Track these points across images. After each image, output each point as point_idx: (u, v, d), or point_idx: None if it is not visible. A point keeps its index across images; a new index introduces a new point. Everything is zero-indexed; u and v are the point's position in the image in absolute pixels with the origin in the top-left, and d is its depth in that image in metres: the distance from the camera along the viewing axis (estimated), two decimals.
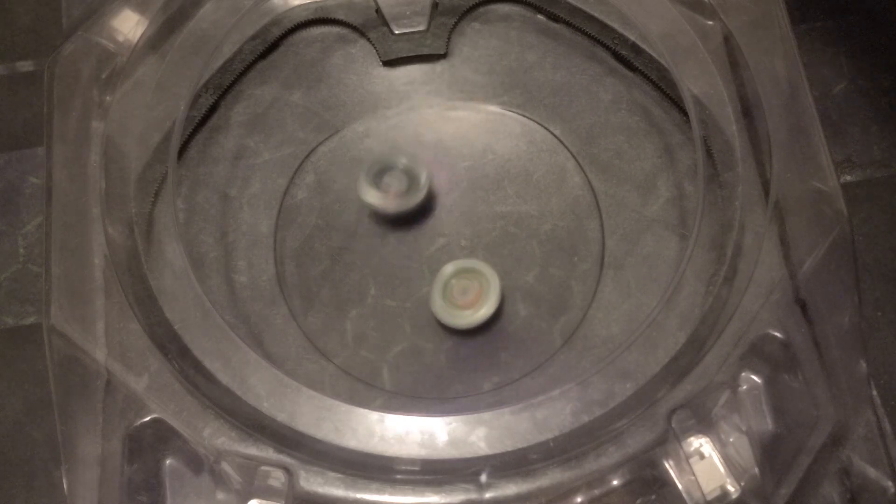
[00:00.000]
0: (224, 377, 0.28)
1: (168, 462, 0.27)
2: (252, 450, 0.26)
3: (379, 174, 0.32)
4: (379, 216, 0.32)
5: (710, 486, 0.26)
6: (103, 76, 0.32)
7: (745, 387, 0.28)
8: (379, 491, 0.26)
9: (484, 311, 0.30)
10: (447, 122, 0.34)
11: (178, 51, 0.32)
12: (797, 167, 0.30)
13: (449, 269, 0.30)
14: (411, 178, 0.32)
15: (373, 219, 0.32)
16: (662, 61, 0.32)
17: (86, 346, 0.28)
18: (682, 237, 0.31)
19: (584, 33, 0.34)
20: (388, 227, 0.32)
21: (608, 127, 0.33)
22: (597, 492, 0.26)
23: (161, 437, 0.27)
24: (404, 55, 0.35)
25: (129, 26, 0.32)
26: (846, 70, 0.37)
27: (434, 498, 0.26)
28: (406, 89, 0.34)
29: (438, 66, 0.35)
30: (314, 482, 0.26)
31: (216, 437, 0.27)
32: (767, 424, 0.27)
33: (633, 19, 0.32)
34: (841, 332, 0.28)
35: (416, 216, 0.32)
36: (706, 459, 0.26)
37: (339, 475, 0.26)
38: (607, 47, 0.34)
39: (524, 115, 0.34)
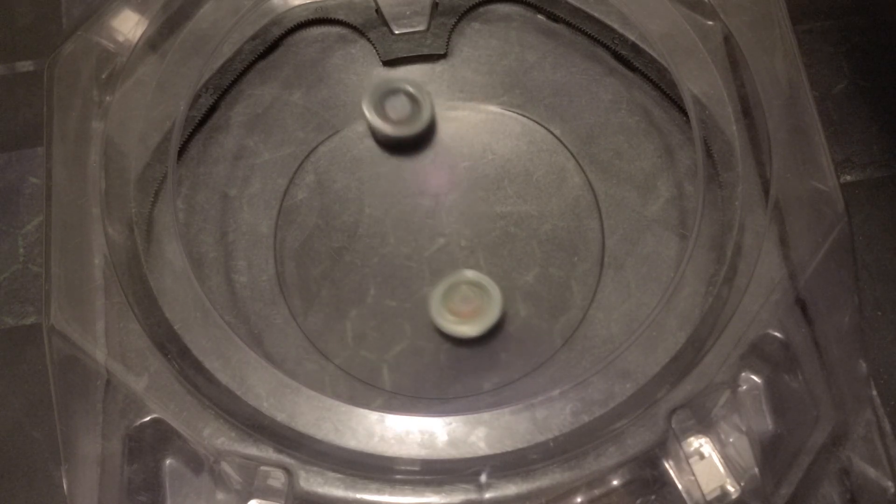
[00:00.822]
0: (224, 377, 0.28)
1: (168, 462, 0.27)
2: (252, 450, 0.26)
3: (382, 98, 0.32)
4: (378, 216, 0.32)
5: (710, 486, 0.26)
6: (103, 76, 0.32)
7: (745, 387, 0.28)
8: (379, 491, 0.26)
9: (466, 328, 0.30)
10: (447, 122, 0.34)
11: (178, 51, 0.32)
12: (797, 167, 0.30)
13: (469, 274, 0.30)
14: (415, 103, 0.33)
15: (373, 219, 0.32)
16: (662, 61, 0.32)
17: (86, 346, 0.28)
18: (682, 237, 0.31)
19: (584, 33, 0.34)
20: (388, 227, 0.32)
21: (608, 127, 0.33)
22: (597, 492, 0.26)
23: (161, 437, 0.27)
24: (404, 55, 0.34)
25: (129, 26, 0.32)
26: (846, 70, 0.37)
27: (434, 498, 0.26)
28: None
29: (438, 66, 0.35)
30: (314, 482, 0.26)
31: (216, 437, 0.27)
32: (767, 424, 0.27)
33: (633, 19, 0.32)
34: (841, 332, 0.28)
35: (416, 216, 0.32)
36: (706, 459, 0.26)
37: (339, 475, 0.26)
38: (607, 47, 0.34)
39: (524, 115, 0.34)
